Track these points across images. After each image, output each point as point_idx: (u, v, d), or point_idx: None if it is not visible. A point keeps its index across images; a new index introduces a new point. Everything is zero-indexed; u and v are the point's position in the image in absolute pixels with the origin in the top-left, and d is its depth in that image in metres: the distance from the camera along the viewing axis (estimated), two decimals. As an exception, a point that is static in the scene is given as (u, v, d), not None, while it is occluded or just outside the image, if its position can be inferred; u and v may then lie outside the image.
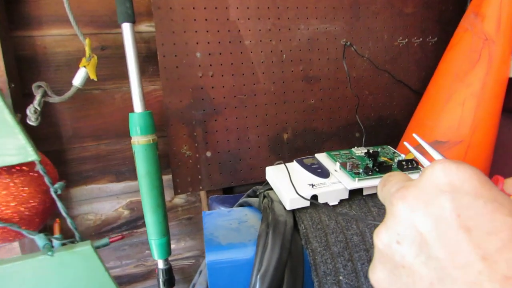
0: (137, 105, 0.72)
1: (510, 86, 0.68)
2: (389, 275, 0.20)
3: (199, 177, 0.80)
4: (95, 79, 0.68)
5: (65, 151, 0.82)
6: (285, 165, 0.54)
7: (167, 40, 0.75)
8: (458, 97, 0.67)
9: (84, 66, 0.67)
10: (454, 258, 0.17)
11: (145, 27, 0.82)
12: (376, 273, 0.21)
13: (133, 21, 0.70)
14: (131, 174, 0.86)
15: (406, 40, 0.94)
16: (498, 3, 0.67)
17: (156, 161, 0.72)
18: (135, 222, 0.90)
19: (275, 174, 0.54)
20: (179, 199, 0.92)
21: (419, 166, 0.52)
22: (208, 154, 0.81)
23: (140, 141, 0.71)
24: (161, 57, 0.75)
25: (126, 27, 0.70)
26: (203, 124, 0.80)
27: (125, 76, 0.80)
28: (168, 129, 0.78)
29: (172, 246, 0.95)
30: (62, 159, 0.82)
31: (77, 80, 0.68)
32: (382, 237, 0.21)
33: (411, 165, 0.51)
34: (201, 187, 0.81)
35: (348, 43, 0.88)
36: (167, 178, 0.86)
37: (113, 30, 0.79)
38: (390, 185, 0.24)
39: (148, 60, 0.83)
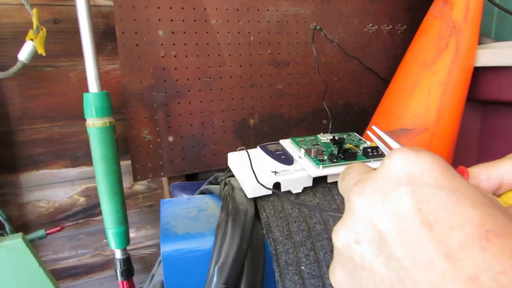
0: (92, 84, 0.67)
1: (475, 75, 0.68)
2: (349, 277, 0.18)
3: (161, 163, 0.77)
4: (44, 54, 0.62)
5: (14, 132, 0.75)
6: (247, 151, 0.51)
7: (127, 16, 0.70)
8: (424, 85, 0.66)
9: (31, 39, 0.61)
10: (415, 258, 0.15)
11: (103, 0, 0.76)
12: (336, 275, 0.19)
13: (88, -7, 0.65)
14: (88, 159, 0.81)
15: (376, 27, 0.93)
16: (467, -9, 0.66)
17: (113, 145, 0.68)
18: (92, 209, 0.85)
19: (237, 160, 0.51)
20: (140, 186, 0.88)
21: (384, 154, 0.51)
22: (170, 138, 0.77)
23: (95, 123, 0.66)
24: (119, 34, 0.70)
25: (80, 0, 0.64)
26: (165, 107, 0.76)
27: (80, 53, 0.74)
28: (127, 112, 0.73)
29: (132, 235, 0.91)
30: (10, 141, 0.75)
31: (23, 54, 0.62)
32: (340, 236, 0.19)
33: (376, 152, 0.50)
34: (162, 174, 0.77)
35: (318, 27, 0.86)
36: (126, 163, 0.82)
37: (68, 1, 0.73)
38: (348, 178, 0.22)
39: (107, 36, 0.77)
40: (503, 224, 0.15)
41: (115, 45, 0.78)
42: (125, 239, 0.72)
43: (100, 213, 0.86)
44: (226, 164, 0.82)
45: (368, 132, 0.37)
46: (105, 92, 0.67)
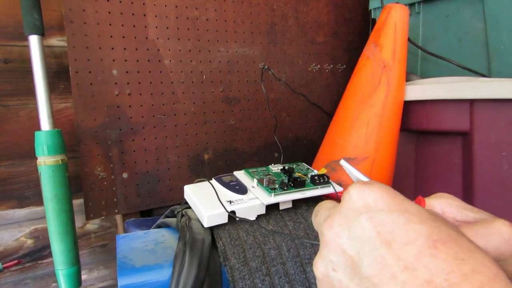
0: (45, 122, 0.67)
1: (406, 108, 0.77)
2: None
3: (115, 200, 0.76)
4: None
5: (-45, 175, 0.72)
6: (209, 182, 0.54)
7: (81, 56, 0.72)
8: (363, 117, 0.73)
9: (-19, 80, 0.61)
10: (382, 274, 0.18)
11: (56, 41, 0.77)
12: None
13: (42, 34, 0.66)
14: (37, 199, 0.79)
15: (319, 66, 1.02)
16: (393, 35, 0.75)
17: (65, 183, 0.67)
18: (40, 252, 0.81)
19: (193, 192, 0.53)
20: (92, 225, 0.86)
21: (330, 181, 0.55)
22: (125, 175, 0.77)
23: (47, 161, 0.65)
24: (73, 73, 0.71)
25: (33, 40, 0.65)
26: (120, 144, 0.76)
27: (31, 92, 0.74)
28: (80, 149, 0.73)
29: (84, 276, 0.87)
30: (-50, 184, 0.71)
31: (-29, 94, 0.61)
32: (319, 267, 0.22)
33: (322, 180, 0.54)
34: (116, 211, 0.76)
35: (266, 66, 0.93)
36: (78, 202, 0.80)
37: (19, 42, 0.73)
38: (319, 215, 0.25)
39: (59, 76, 0.78)
40: (446, 232, 0.18)
41: (68, 84, 0.78)
42: (77, 281, 0.69)
43: (48, 255, 0.82)
44: (182, 199, 0.83)
45: (342, 162, 0.40)
46: (58, 130, 0.67)
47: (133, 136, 0.78)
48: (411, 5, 0.89)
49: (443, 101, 0.72)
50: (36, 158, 0.65)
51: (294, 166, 0.61)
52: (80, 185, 0.75)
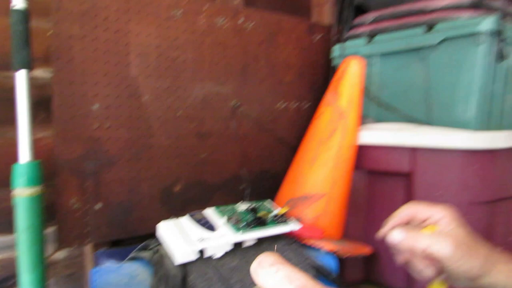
0: (25, 154, 0.70)
1: (360, 150, 0.86)
2: None
3: (87, 230, 0.80)
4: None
5: None
6: (179, 219, 0.60)
7: (65, 91, 0.76)
8: (321, 158, 0.82)
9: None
10: None
11: (40, 73, 0.81)
12: None
13: (31, 69, 0.70)
14: (4, 228, 0.80)
15: (285, 104, 1.11)
16: (350, 85, 0.86)
17: (40, 214, 0.70)
18: (4, 283, 0.82)
19: (166, 230, 0.59)
20: (60, 254, 0.88)
21: (288, 220, 0.63)
22: (98, 206, 0.81)
23: (24, 193, 0.68)
24: (56, 107, 0.75)
25: (21, 74, 0.69)
26: (96, 175, 0.81)
27: (8, 121, 0.77)
28: (56, 180, 0.76)
29: (51, 303, 0.89)
30: None
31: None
32: None
33: (282, 219, 0.62)
34: (88, 241, 0.80)
35: (237, 104, 1.00)
36: (48, 231, 0.82)
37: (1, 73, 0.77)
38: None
39: (40, 106, 0.82)
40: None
41: (47, 114, 0.82)
42: (47, 308, 0.72)
43: (12, 286, 0.84)
44: (152, 229, 0.88)
45: None
46: (37, 162, 0.71)
47: (109, 168, 0.82)
48: (368, 56, 1.00)
49: (390, 147, 0.82)
50: (6, 188, 0.68)
51: (260, 204, 0.68)
52: (52, 213, 0.78)
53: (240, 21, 1.01)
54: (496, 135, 0.75)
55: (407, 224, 0.48)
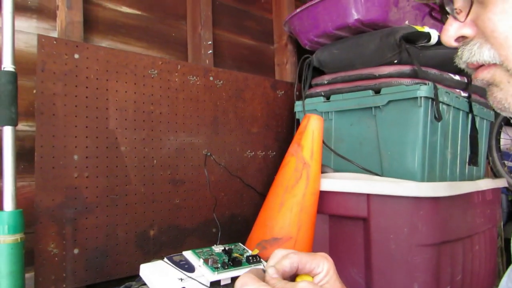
0: (8, 203, 0.73)
1: (321, 196, 0.96)
2: None
3: (64, 275, 0.82)
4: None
5: None
6: (161, 260, 0.65)
7: (47, 143, 0.81)
8: (288, 204, 0.91)
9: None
10: None
11: (22, 126, 0.85)
12: None
13: (16, 125, 0.75)
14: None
15: (253, 153, 1.20)
16: (311, 139, 0.97)
17: (21, 260, 0.72)
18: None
19: (149, 271, 0.63)
20: (35, 300, 0.88)
21: (261, 260, 0.69)
22: (76, 251, 0.84)
23: (6, 240, 0.71)
24: (38, 158, 0.80)
25: (7, 130, 0.74)
26: (74, 222, 0.84)
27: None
28: (36, 227, 0.79)
29: None
30: None
31: None
32: None
33: (255, 259, 0.68)
34: (64, 286, 0.81)
35: (209, 153, 1.08)
36: (28, 276, 0.83)
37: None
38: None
39: (20, 157, 0.85)
40: None
41: (28, 165, 0.86)
42: None
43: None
44: (127, 272, 0.91)
45: None
46: (20, 211, 0.74)
47: (87, 215, 0.86)
48: (326, 113, 1.13)
49: (348, 193, 0.92)
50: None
51: (233, 246, 0.75)
52: (31, 259, 0.79)
53: (210, 79, 1.11)
54: (438, 185, 0.87)
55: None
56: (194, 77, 1.08)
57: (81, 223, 0.85)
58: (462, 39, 0.35)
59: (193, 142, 1.06)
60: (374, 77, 1.05)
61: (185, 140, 1.04)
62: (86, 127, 0.87)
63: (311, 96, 1.21)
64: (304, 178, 0.92)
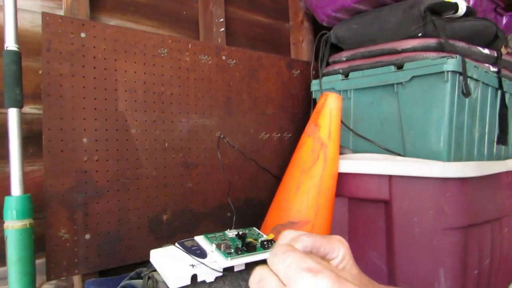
0: (16, 188, 0.72)
1: (339, 178, 0.91)
2: None
3: (76, 260, 0.80)
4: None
5: None
6: (172, 245, 0.62)
7: (54, 126, 0.79)
8: (304, 187, 0.86)
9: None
10: None
11: (29, 109, 0.83)
12: None
13: (21, 107, 0.73)
14: (-6, 260, 0.80)
15: (268, 135, 1.16)
16: (329, 118, 0.91)
17: (30, 246, 0.71)
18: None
19: (159, 257, 0.61)
20: (49, 285, 0.87)
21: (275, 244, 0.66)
22: (87, 236, 0.82)
23: (15, 225, 0.69)
24: (46, 142, 0.77)
25: (12, 112, 0.72)
26: (85, 206, 0.82)
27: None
28: (46, 212, 0.77)
29: None
30: None
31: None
32: None
33: (270, 244, 0.65)
34: (77, 271, 0.80)
35: (222, 135, 1.05)
36: (39, 262, 0.82)
37: (-7, 110, 0.79)
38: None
39: (29, 141, 0.83)
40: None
41: (36, 149, 0.84)
42: None
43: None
44: (141, 258, 0.89)
45: None
46: (28, 195, 0.72)
47: (98, 199, 0.84)
48: (344, 91, 1.07)
49: (368, 175, 0.87)
50: None
51: (247, 231, 0.71)
52: (42, 245, 0.78)
53: (223, 58, 1.07)
54: (465, 165, 0.81)
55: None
56: (206, 56, 1.04)
57: (92, 208, 0.83)
58: None
59: (206, 124, 1.02)
60: (396, 52, 0.98)
61: (197, 122, 1.00)
62: (95, 109, 0.84)
63: (328, 74, 1.15)
64: (321, 160, 0.88)
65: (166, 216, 0.94)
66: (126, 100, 0.89)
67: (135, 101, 0.90)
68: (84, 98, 0.83)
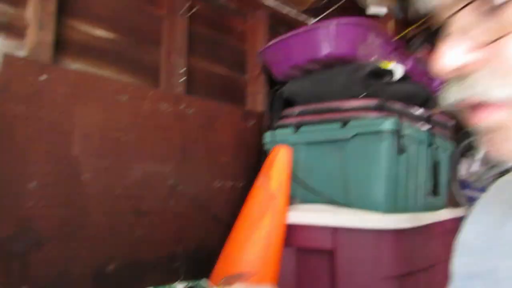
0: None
1: (287, 229, 0.94)
2: None
3: (9, 314, 0.75)
4: None
5: None
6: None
7: (1, 169, 0.77)
8: (254, 238, 0.89)
9: None
10: None
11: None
12: None
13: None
14: None
15: (222, 183, 1.18)
16: (279, 169, 0.96)
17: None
18: None
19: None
20: None
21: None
22: (25, 288, 0.78)
23: None
24: (-11, 187, 0.75)
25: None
26: (23, 256, 0.78)
27: None
28: (-19, 262, 0.73)
29: None
30: None
31: None
32: None
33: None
34: (9, 326, 0.75)
35: (175, 183, 1.06)
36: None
37: None
38: None
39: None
40: None
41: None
42: None
43: None
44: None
45: None
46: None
47: (39, 248, 0.80)
48: (295, 144, 1.14)
49: (315, 226, 0.92)
50: None
51: (196, 284, 0.72)
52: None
53: (181, 107, 1.10)
54: (400, 217, 0.88)
55: None
56: (165, 105, 1.07)
57: (31, 258, 0.79)
58: (462, 68, 0.25)
59: (160, 171, 1.03)
60: (342, 110, 1.07)
61: (152, 169, 1.01)
62: (47, 153, 0.83)
63: (281, 127, 1.21)
64: (270, 211, 0.91)
65: (112, 267, 0.91)
66: (80, 145, 0.88)
67: (91, 146, 0.90)
68: (37, 141, 0.82)
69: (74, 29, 1.00)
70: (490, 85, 0.25)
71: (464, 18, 0.25)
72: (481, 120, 0.26)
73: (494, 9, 0.23)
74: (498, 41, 0.23)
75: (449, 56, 0.25)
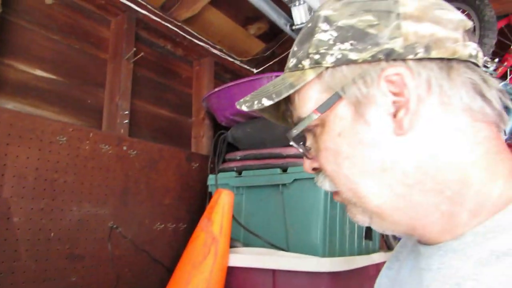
0: None
1: (228, 272, 0.96)
2: None
3: None
4: None
5: None
6: None
7: None
8: (194, 282, 0.89)
9: None
10: None
11: None
12: None
13: None
14: None
15: (163, 225, 1.18)
16: (221, 213, 0.99)
17: None
18: None
19: None
20: None
21: None
22: None
23: None
24: None
25: None
26: None
27: None
28: None
29: None
30: None
31: None
32: None
33: None
34: None
35: (115, 225, 1.03)
36: None
37: None
38: None
39: None
40: None
41: None
42: None
43: None
44: None
45: None
46: None
47: (-42, 298, 0.74)
48: (237, 187, 1.18)
49: (255, 269, 0.94)
50: None
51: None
52: None
53: (124, 148, 1.10)
54: (335, 260, 0.94)
55: None
56: (107, 146, 1.06)
57: None
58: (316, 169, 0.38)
59: (99, 214, 1.00)
60: (282, 157, 1.14)
61: (90, 211, 0.99)
62: (-26, 195, 0.79)
63: (224, 170, 1.25)
64: (212, 254, 0.93)
65: (41, 316, 0.85)
66: (12, 186, 0.85)
67: (23, 187, 0.86)
68: (-37, 183, 0.77)
69: (12, 67, 0.98)
70: (325, 182, 0.38)
71: None
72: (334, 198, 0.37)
73: None
74: None
75: (305, 164, 0.39)
